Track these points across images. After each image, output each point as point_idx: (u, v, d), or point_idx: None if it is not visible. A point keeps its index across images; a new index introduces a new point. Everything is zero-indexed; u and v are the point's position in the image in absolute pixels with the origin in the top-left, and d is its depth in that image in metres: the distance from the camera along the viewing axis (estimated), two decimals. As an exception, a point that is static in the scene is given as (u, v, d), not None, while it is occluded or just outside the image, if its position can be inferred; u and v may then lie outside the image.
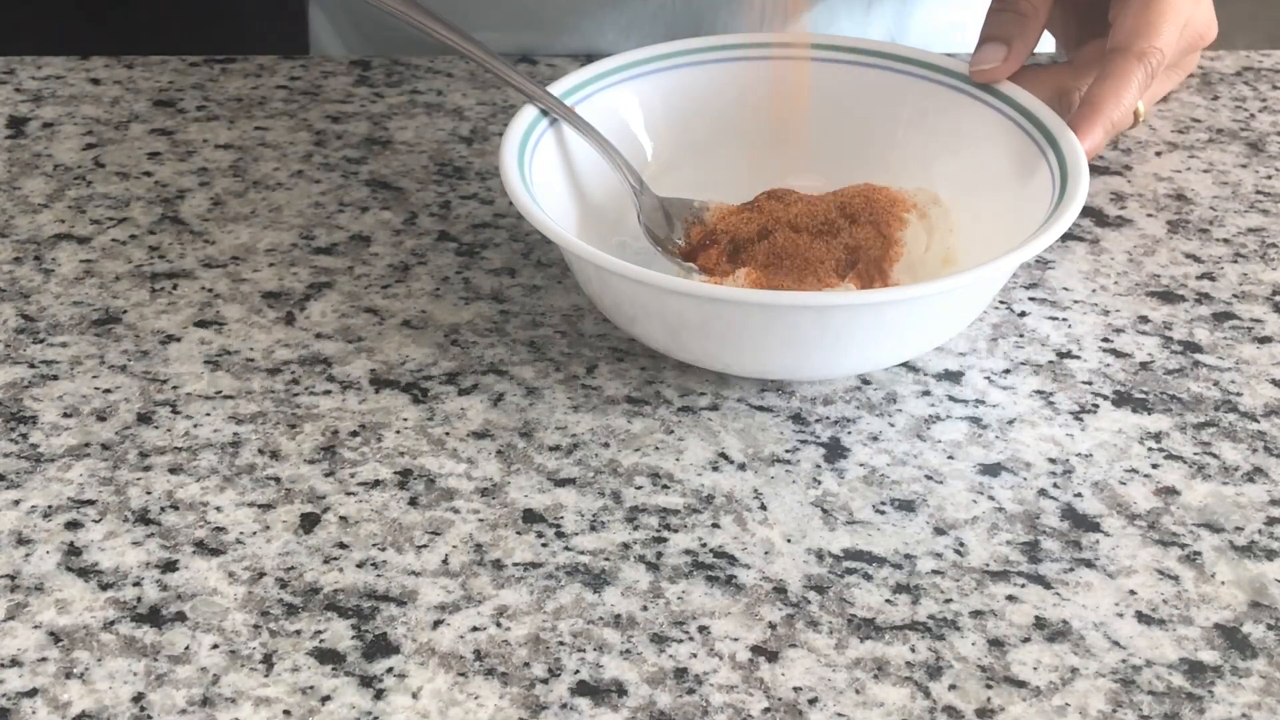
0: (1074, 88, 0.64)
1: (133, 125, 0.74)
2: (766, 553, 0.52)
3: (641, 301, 0.56)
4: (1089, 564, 0.51)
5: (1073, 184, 0.57)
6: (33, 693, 0.47)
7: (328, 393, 0.58)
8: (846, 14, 0.84)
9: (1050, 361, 0.60)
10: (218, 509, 0.53)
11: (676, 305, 0.55)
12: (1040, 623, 0.49)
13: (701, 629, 0.49)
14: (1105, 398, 0.58)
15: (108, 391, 0.58)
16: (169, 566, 0.51)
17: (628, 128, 0.65)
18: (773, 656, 0.48)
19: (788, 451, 0.56)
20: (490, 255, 0.66)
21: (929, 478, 0.55)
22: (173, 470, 0.55)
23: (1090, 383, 0.59)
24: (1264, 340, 0.62)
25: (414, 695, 0.47)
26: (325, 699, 0.47)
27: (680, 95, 0.66)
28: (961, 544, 0.52)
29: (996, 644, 0.49)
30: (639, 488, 0.54)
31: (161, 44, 0.85)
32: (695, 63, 0.66)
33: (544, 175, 0.61)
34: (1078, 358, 0.60)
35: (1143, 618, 0.50)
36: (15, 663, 0.48)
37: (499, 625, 0.49)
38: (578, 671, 0.47)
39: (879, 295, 0.54)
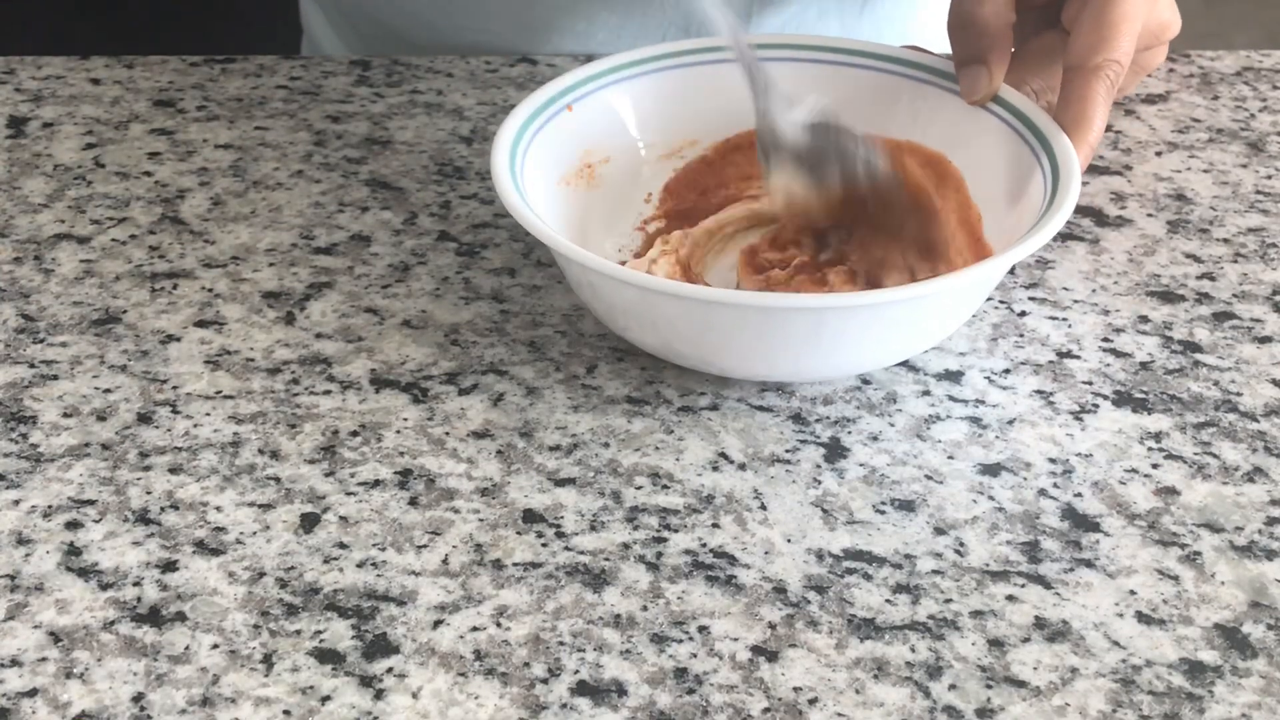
0: (1024, 80, 0.64)
1: (133, 125, 0.74)
2: (766, 553, 0.52)
3: (634, 309, 0.56)
4: (1089, 564, 0.51)
5: (1063, 188, 0.57)
6: (33, 693, 0.47)
7: (328, 393, 0.58)
8: (837, 15, 0.84)
9: (1050, 361, 0.60)
10: (218, 509, 0.53)
11: (667, 308, 0.55)
12: (1040, 623, 0.49)
13: (701, 629, 0.49)
14: (1105, 398, 0.58)
15: (108, 391, 0.58)
16: (169, 566, 0.51)
17: (623, 126, 0.65)
18: (773, 656, 0.48)
19: (788, 451, 0.56)
20: (490, 255, 0.66)
21: (929, 478, 0.55)
22: (173, 470, 0.55)
23: (1090, 383, 0.59)
24: (1264, 340, 0.62)
25: (414, 695, 0.47)
26: (325, 699, 0.47)
27: (674, 96, 0.66)
28: (961, 544, 0.52)
29: (996, 644, 0.49)
30: (639, 488, 0.54)
31: (161, 44, 0.85)
32: (689, 64, 0.66)
33: (537, 176, 0.60)
34: (1078, 358, 0.60)
35: (1143, 618, 0.50)
36: (15, 663, 0.48)
37: (499, 625, 0.49)
38: (578, 671, 0.47)
39: (868, 297, 0.54)
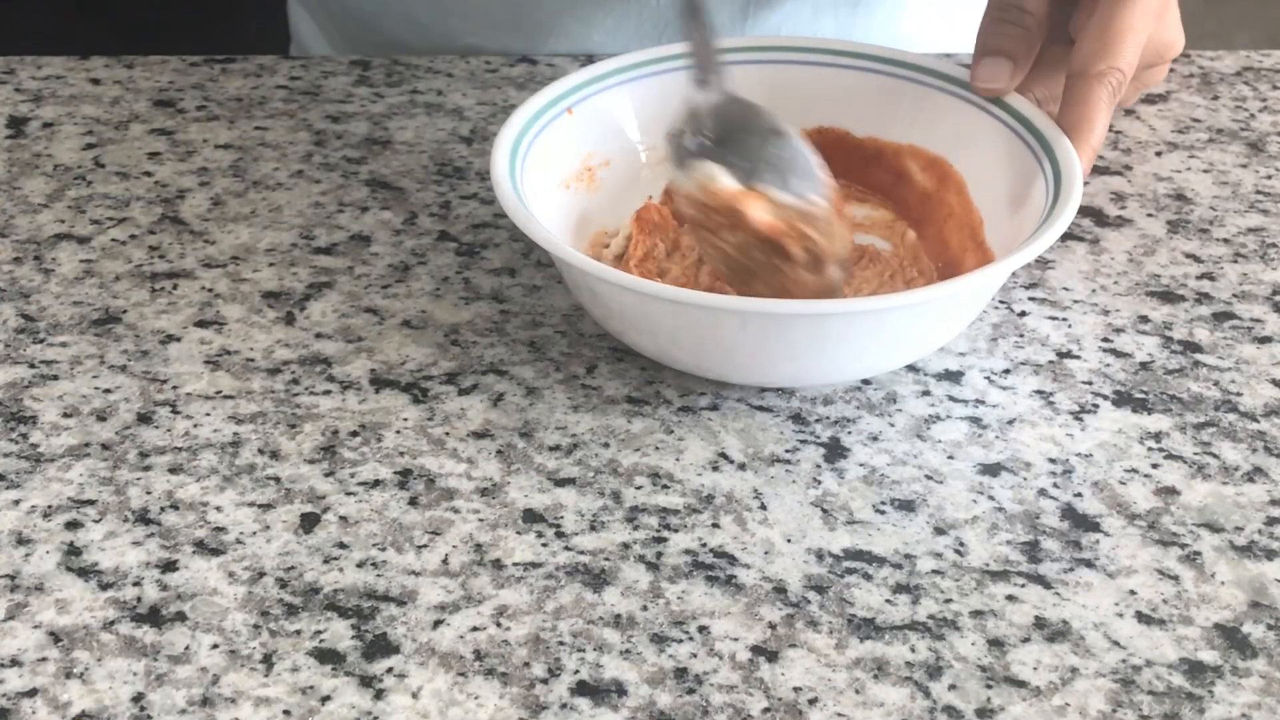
0: (1028, 88, 0.64)
1: (133, 125, 0.74)
2: (766, 553, 0.52)
3: (632, 314, 0.56)
4: (1089, 564, 0.51)
5: (1065, 193, 0.57)
6: (33, 693, 0.47)
7: (328, 393, 0.58)
8: (832, 14, 0.84)
9: (1050, 361, 0.60)
10: (218, 509, 0.53)
11: (666, 313, 0.54)
12: (1040, 623, 0.49)
13: (701, 629, 0.49)
14: (1105, 398, 0.58)
15: (108, 391, 0.58)
16: (169, 566, 0.51)
17: (622, 130, 0.65)
18: (773, 656, 0.48)
19: (788, 451, 0.56)
20: (490, 255, 0.66)
21: (929, 478, 0.55)
22: (173, 470, 0.55)
23: (1090, 383, 0.59)
24: (1264, 340, 0.62)
25: (414, 695, 0.47)
26: (325, 699, 0.47)
27: (674, 99, 0.66)
28: (961, 544, 0.52)
29: (996, 644, 0.49)
30: (639, 488, 0.54)
31: (161, 44, 0.85)
32: (689, 67, 0.66)
33: (537, 179, 0.60)
34: (1078, 358, 0.60)
35: (1143, 618, 0.50)
36: (15, 663, 0.48)
37: (499, 625, 0.49)
38: (578, 671, 0.47)
39: (870, 303, 0.54)
